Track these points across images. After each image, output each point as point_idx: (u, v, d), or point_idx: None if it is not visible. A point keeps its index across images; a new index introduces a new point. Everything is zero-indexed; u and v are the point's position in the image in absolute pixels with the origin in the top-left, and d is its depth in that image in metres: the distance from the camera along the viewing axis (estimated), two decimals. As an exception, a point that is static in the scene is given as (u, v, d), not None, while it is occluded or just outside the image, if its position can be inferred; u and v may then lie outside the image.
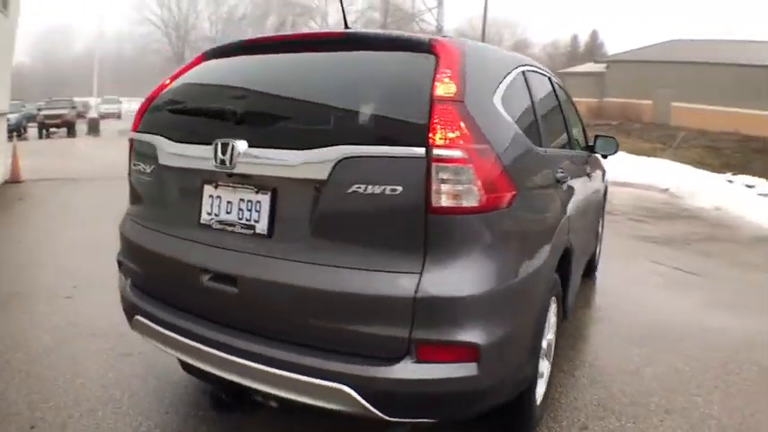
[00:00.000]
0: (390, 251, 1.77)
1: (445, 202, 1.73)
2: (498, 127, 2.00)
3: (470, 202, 1.76)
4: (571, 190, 2.95)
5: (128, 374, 2.96)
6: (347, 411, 1.80)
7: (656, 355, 3.47)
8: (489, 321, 1.80)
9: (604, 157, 4.37)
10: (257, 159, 1.94)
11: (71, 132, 25.03)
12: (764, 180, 12.22)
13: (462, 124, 1.77)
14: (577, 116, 4.19)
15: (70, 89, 39.77)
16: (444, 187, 1.73)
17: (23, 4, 10.96)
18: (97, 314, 3.73)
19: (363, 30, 2.61)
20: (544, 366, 2.58)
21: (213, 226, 2.09)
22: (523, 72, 2.58)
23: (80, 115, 27.67)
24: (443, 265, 1.74)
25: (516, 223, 1.98)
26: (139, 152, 2.41)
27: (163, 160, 2.24)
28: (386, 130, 1.84)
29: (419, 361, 1.75)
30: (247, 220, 2.00)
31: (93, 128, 25.27)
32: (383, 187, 1.74)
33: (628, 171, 11.82)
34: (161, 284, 2.31)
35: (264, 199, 1.97)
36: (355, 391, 1.75)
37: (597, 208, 4.53)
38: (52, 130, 25.00)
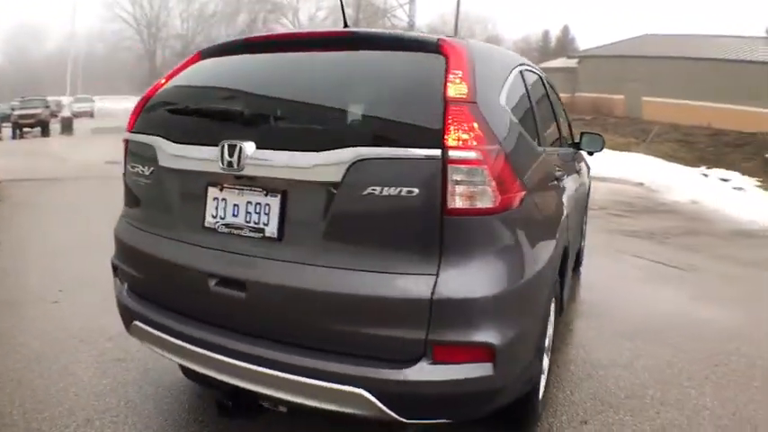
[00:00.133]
0: (405, 253, 1.77)
1: (461, 203, 1.74)
2: (506, 127, 2.00)
3: (485, 203, 1.76)
4: (566, 188, 2.98)
5: (122, 381, 2.90)
6: (362, 415, 1.80)
7: (646, 348, 3.53)
8: (503, 321, 1.81)
9: (590, 153, 4.42)
10: (267, 161, 1.91)
11: (45, 132, 24.52)
12: (739, 174, 12.52)
13: (476, 125, 1.78)
14: (564, 113, 4.23)
15: (42, 88, 38.90)
16: (459, 189, 1.73)
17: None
18: (85, 318, 3.66)
19: (368, 29, 2.60)
20: (545, 362, 2.61)
21: (218, 229, 2.05)
22: (521, 71, 2.60)
23: (53, 114, 27.13)
24: (459, 267, 1.75)
25: (527, 223, 2.00)
26: (136, 153, 2.34)
27: (163, 162, 2.19)
28: (399, 131, 1.83)
29: (436, 362, 1.75)
30: (255, 223, 1.97)
31: (67, 127, 24.80)
32: (399, 189, 1.73)
33: (604, 166, 11.96)
34: (161, 289, 2.25)
35: (274, 201, 1.94)
36: (371, 394, 1.74)
37: (584, 204, 4.60)
38: (26, 129, 24.51)
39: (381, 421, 1.83)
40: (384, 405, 1.75)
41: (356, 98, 1.99)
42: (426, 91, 1.85)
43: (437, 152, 1.73)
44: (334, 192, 1.82)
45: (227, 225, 2.03)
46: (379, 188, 1.74)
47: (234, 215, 2.02)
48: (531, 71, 2.93)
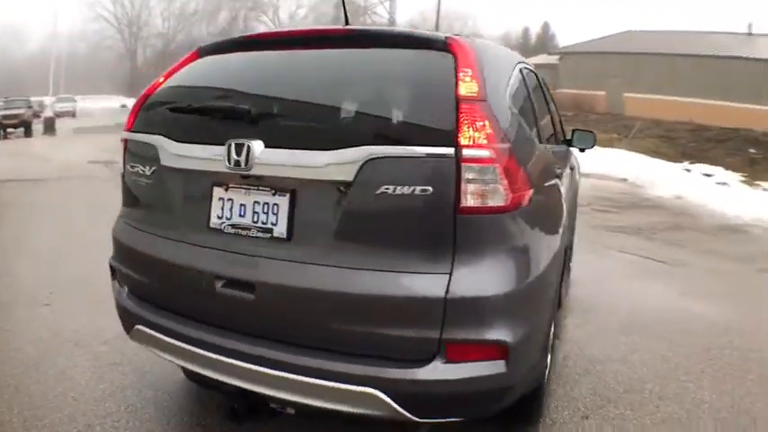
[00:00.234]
0: (418, 252, 1.76)
1: (474, 201, 1.74)
2: (513, 125, 2.01)
3: (497, 201, 1.76)
4: (564, 185, 3.00)
5: (120, 385, 2.86)
6: (376, 415, 1.79)
7: (641, 343, 3.57)
8: (516, 319, 1.82)
9: (582, 150, 4.45)
10: (276, 160, 1.89)
11: (28, 132, 24.26)
12: (722, 169, 12.68)
13: (487, 123, 1.78)
14: (557, 110, 4.25)
15: (25, 88, 38.27)
16: (472, 187, 1.73)
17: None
18: (78, 322, 3.61)
19: (372, 27, 2.58)
20: (548, 358, 2.62)
21: (224, 230, 2.02)
22: (521, 69, 2.60)
23: (36, 115, 26.88)
24: (471, 265, 1.75)
25: (535, 221, 2.00)
26: (136, 153, 2.29)
27: (165, 161, 2.14)
28: (410, 129, 1.82)
29: (449, 361, 1.75)
30: (263, 223, 1.95)
31: (49, 127, 24.59)
32: (413, 188, 1.72)
33: (587, 161, 12.04)
34: (164, 292, 2.21)
35: (283, 201, 1.92)
36: (385, 394, 1.74)
37: (575, 201, 4.63)
38: (9, 130, 24.17)
39: (394, 421, 1.82)
40: (398, 405, 1.75)
41: (365, 96, 1.98)
42: (437, 89, 1.85)
43: (450, 150, 1.73)
44: (346, 191, 1.81)
45: (233, 225, 2.01)
46: (392, 187, 1.73)
47: (240, 215, 2.00)
48: (528, 69, 2.94)
